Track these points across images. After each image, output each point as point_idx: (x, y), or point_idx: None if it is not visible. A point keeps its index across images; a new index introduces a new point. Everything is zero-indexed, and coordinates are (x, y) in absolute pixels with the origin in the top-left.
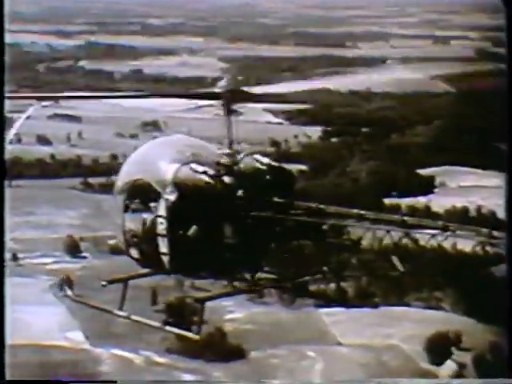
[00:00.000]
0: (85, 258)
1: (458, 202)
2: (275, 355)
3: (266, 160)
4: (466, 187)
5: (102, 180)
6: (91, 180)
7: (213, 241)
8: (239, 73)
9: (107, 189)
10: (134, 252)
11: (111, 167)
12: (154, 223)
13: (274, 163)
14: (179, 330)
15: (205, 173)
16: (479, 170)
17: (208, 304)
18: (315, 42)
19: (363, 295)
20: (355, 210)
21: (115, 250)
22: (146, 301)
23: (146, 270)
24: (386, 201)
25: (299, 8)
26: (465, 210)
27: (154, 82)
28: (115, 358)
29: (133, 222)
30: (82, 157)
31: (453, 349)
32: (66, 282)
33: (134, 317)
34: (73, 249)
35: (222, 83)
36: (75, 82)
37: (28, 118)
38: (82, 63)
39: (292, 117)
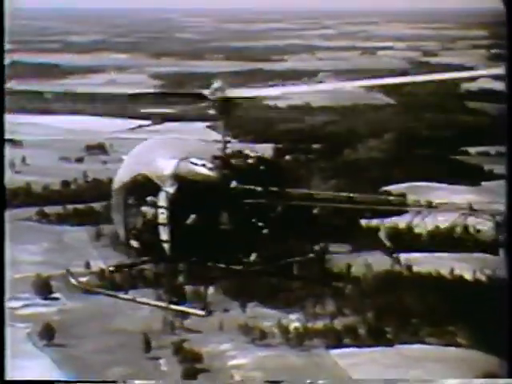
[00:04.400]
0: (57, 299)
1: (438, 222)
2: None
3: (254, 153)
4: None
5: (58, 209)
6: (47, 210)
7: (210, 228)
8: (173, 89)
9: (65, 219)
10: (134, 242)
11: (64, 194)
12: (154, 214)
13: (262, 156)
14: (185, 308)
15: (203, 165)
16: (445, 185)
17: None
18: (240, 56)
19: (374, 332)
20: (344, 194)
21: (88, 289)
22: None
23: (148, 258)
24: (363, 222)
25: (217, 22)
26: (450, 230)
27: (87, 102)
28: None
29: (133, 216)
30: (32, 184)
31: None
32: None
33: (139, 299)
34: (43, 290)
35: (215, 86)
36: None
37: None
38: (9, 84)
39: (238, 134)
